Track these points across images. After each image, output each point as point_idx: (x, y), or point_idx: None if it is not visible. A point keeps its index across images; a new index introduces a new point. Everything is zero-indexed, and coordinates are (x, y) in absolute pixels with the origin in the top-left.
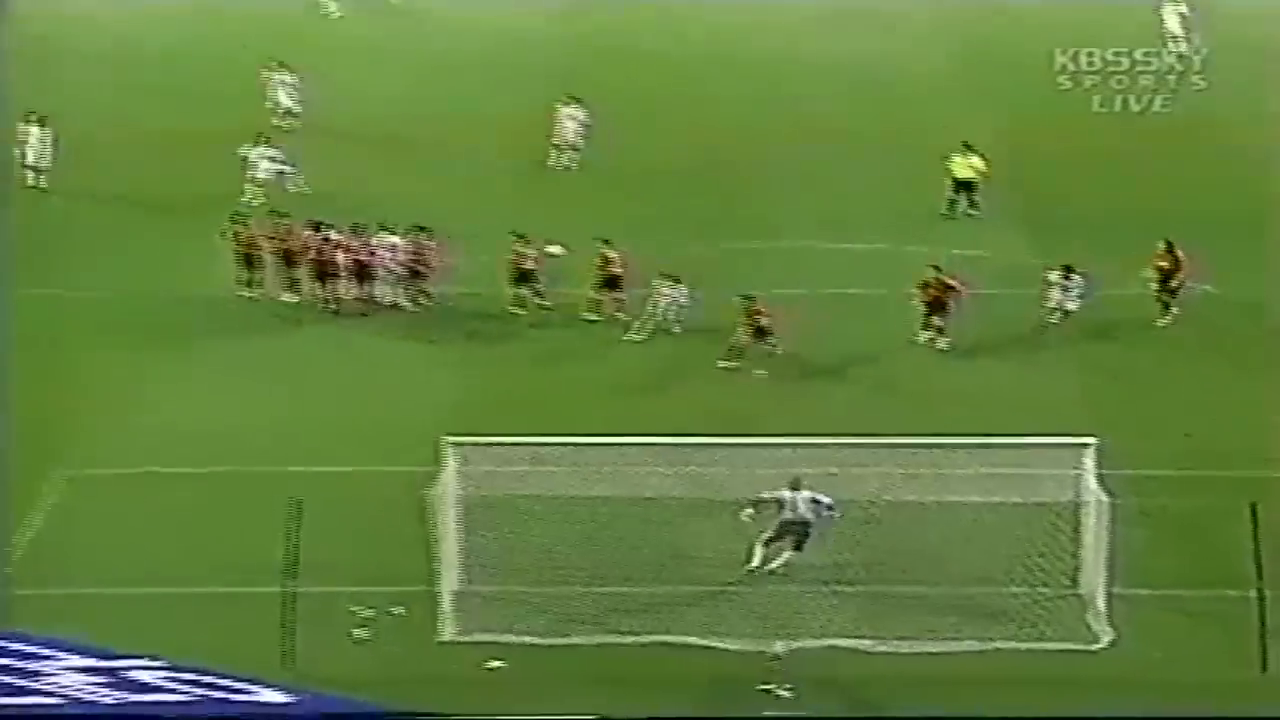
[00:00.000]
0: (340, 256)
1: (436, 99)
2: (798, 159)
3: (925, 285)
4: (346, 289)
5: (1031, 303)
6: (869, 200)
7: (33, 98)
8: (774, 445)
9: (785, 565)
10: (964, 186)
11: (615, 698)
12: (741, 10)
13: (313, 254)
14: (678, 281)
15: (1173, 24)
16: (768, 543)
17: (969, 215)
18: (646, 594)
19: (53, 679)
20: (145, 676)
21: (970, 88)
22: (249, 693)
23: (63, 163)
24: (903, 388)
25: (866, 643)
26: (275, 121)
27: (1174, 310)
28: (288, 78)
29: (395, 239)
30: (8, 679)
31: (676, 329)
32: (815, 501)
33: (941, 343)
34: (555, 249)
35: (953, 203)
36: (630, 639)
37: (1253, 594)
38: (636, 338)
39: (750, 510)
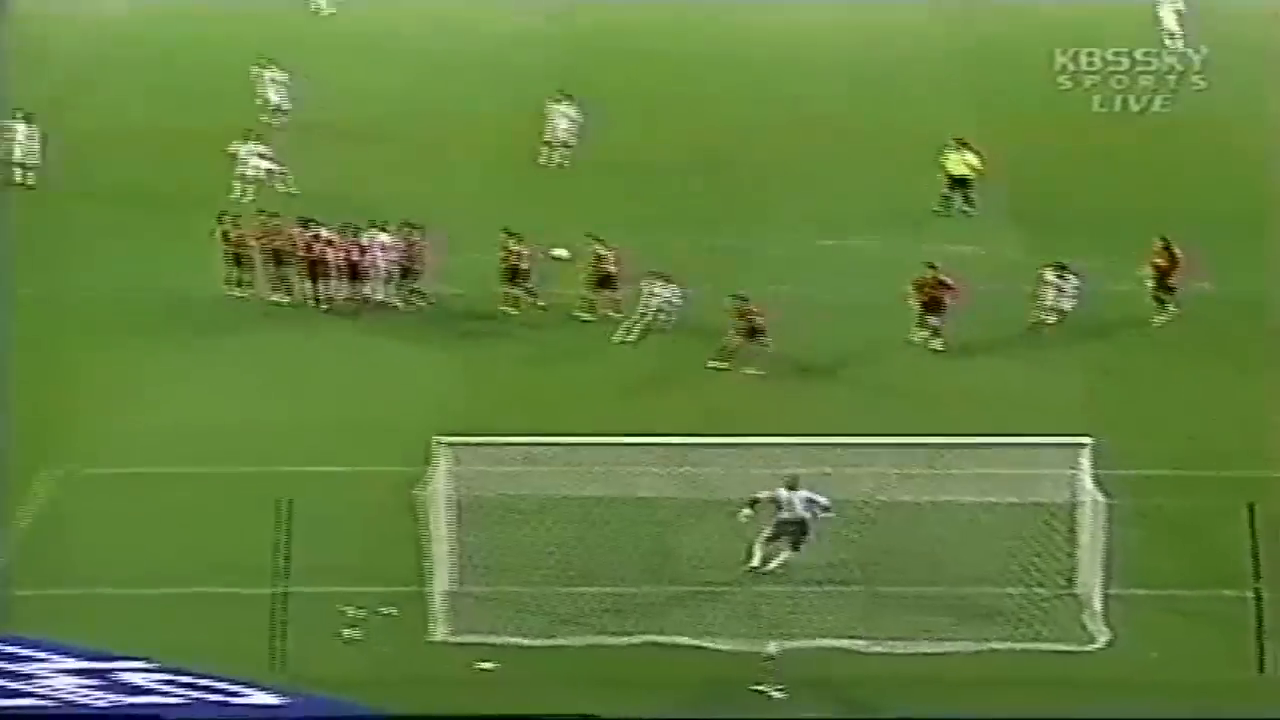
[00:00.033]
0: (331, 255)
1: (427, 96)
2: (793, 157)
3: (921, 284)
4: (337, 288)
5: (1028, 301)
6: (865, 198)
7: (27, 97)
8: (768, 445)
9: (783, 565)
10: (959, 183)
11: (607, 698)
12: (736, 8)
13: (303, 252)
14: (669, 281)
15: (1170, 21)
16: (767, 542)
17: (964, 213)
18: (639, 594)
19: (45, 682)
20: (137, 679)
21: (970, 87)
22: (241, 695)
23: (54, 160)
24: (898, 387)
25: (861, 643)
26: (264, 119)
27: (1170, 308)
28: (278, 75)
29: (386, 237)
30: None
31: (668, 329)
32: (811, 501)
33: (936, 342)
34: (561, 252)
35: (947, 199)
36: (623, 639)
37: (1250, 594)
38: (628, 339)
39: (748, 511)
